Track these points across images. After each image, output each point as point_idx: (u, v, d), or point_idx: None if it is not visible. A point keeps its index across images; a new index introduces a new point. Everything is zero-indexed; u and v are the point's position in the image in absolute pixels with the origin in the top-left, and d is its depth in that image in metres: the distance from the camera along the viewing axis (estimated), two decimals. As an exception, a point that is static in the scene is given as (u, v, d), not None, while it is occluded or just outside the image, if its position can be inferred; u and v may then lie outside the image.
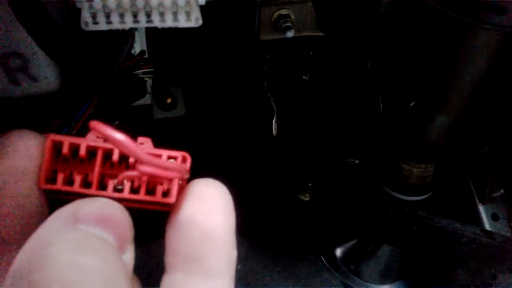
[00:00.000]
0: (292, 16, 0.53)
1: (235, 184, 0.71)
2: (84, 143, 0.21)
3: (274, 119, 0.66)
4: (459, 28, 0.47)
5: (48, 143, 0.21)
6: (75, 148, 0.21)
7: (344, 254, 0.72)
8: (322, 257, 0.71)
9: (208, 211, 0.20)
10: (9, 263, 0.17)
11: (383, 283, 0.70)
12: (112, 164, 0.21)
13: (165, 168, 0.20)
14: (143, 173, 0.20)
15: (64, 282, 0.15)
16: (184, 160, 0.22)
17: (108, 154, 0.21)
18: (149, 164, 0.19)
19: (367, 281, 0.70)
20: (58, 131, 0.39)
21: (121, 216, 0.19)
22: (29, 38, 0.32)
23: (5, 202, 0.20)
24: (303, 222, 0.71)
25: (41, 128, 0.38)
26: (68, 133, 0.40)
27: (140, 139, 0.22)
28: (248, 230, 0.65)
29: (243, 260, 0.60)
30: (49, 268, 0.15)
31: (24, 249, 0.17)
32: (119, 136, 0.19)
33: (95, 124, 0.19)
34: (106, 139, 0.19)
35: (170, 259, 0.21)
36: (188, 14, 0.27)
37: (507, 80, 0.60)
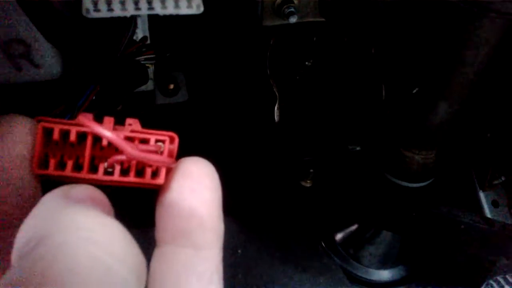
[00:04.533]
0: (295, 2, 0.53)
1: (237, 170, 0.71)
2: (74, 129, 0.21)
3: (277, 105, 0.66)
4: (463, 16, 0.47)
5: (39, 130, 0.21)
6: (65, 133, 0.22)
7: (344, 239, 0.72)
8: (322, 242, 0.72)
9: (194, 188, 0.21)
10: (9, 243, 0.18)
11: (382, 268, 0.71)
12: (102, 147, 0.22)
13: (151, 160, 0.21)
14: (131, 158, 0.21)
15: (82, 235, 0.16)
16: (172, 141, 0.22)
17: (97, 137, 0.22)
18: (136, 157, 0.20)
19: (366, 266, 0.71)
20: (61, 118, 0.39)
21: (104, 198, 0.20)
22: (32, 25, 0.33)
23: (2, 187, 0.20)
24: (304, 208, 0.71)
25: (43, 115, 0.39)
26: (71, 119, 0.40)
27: (128, 120, 0.23)
28: (249, 215, 0.66)
29: (244, 245, 0.61)
30: (61, 234, 0.16)
31: (26, 227, 0.17)
32: (106, 133, 0.20)
33: (82, 119, 0.20)
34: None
35: (160, 234, 0.22)
36: (189, 1, 0.27)
37: (510, 68, 0.59)
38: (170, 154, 0.22)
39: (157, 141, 0.22)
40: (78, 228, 0.16)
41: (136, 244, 0.18)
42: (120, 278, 0.16)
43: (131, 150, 0.20)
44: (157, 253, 0.22)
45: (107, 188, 0.21)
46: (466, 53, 0.49)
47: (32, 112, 0.23)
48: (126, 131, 0.22)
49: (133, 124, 0.22)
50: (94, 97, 0.41)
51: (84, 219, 0.17)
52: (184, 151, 0.23)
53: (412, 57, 0.60)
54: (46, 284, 0.14)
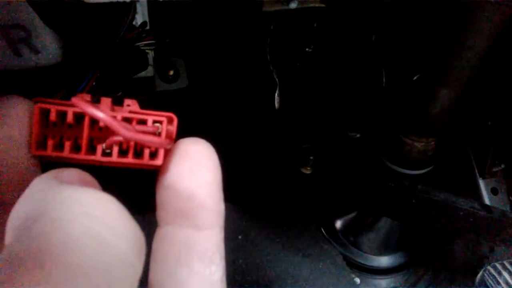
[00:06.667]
0: (296, -13, 0.52)
1: (237, 157, 0.71)
2: (70, 110, 0.21)
3: (277, 92, 0.65)
4: (464, 2, 0.46)
5: (36, 111, 0.21)
6: (62, 114, 0.21)
7: (344, 226, 0.73)
8: (322, 229, 0.73)
9: (193, 168, 0.21)
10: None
11: (382, 254, 0.71)
12: (100, 128, 0.22)
13: (146, 141, 0.20)
14: (128, 139, 0.20)
15: (79, 209, 0.16)
16: (170, 121, 0.22)
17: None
18: (130, 138, 0.20)
19: (366, 252, 0.71)
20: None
21: (93, 180, 0.20)
22: (31, 11, 0.32)
23: (1, 170, 0.20)
24: (304, 194, 0.72)
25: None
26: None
27: (127, 101, 0.22)
28: (250, 202, 0.66)
29: (244, 231, 0.61)
30: (56, 210, 0.16)
31: (19, 208, 0.17)
32: (99, 114, 0.19)
33: (76, 101, 0.19)
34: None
35: (161, 214, 0.22)
36: (189, -14, 0.26)
37: (511, 56, 0.59)
38: (168, 135, 0.22)
39: (155, 121, 0.22)
40: (72, 203, 0.16)
41: (133, 219, 0.17)
42: (118, 252, 0.16)
43: (125, 131, 0.19)
44: (159, 233, 0.22)
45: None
46: (467, 39, 0.49)
47: (32, 98, 0.23)
48: (124, 112, 0.22)
49: (131, 105, 0.22)
50: (94, 83, 0.41)
51: (78, 195, 0.17)
52: (183, 137, 0.23)
53: (413, 43, 0.60)
54: (43, 259, 0.14)
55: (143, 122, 0.22)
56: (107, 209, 0.17)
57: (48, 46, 0.35)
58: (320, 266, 0.63)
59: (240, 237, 0.61)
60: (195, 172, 0.21)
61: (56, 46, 0.36)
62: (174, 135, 0.22)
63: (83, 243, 0.15)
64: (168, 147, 0.21)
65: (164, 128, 0.22)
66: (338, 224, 0.73)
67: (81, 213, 0.16)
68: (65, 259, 0.14)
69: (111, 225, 0.16)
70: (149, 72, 0.65)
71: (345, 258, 0.70)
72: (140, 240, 0.17)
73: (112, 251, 0.16)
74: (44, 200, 0.17)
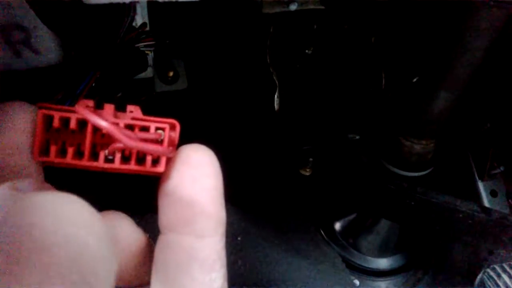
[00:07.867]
0: (296, -11, 0.52)
1: (237, 158, 0.71)
2: (74, 116, 0.21)
3: (276, 93, 0.65)
4: (464, 5, 0.46)
5: (39, 117, 0.21)
6: (66, 120, 0.22)
7: (343, 228, 0.73)
8: (322, 231, 0.73)
9: (195, 176, 0.21)
10: None
11: (381, 256, 0.71)
12: (103, 134, 0.22)
13: (148, 150, 0.21)
14: (130, 148, 0.21)
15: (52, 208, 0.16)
16: (172, 128, 0.22)
17: None
18: (133, 147, 0.20)
19: (365, 254, 0.71)
20: (61, 104, 0.39)
21: (52, 187, 0.20)
22: (31, 11, 0.32)
23: (5, 177, 0.20)
24: (304, 196, 0.72)
25: (43, 101, 0.39)
26: (71, 106, 0.40)
27: (129, 107, 0.22)
28: (249, 203, 0.66)
29: (243, 233, 0.61)
30: (19, 217, 0.15)
31: None
32: (102, 123, 0.19)
33: (79, 108, 0.20)
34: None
35: (162, 221, 0.22)
36: (189, -13, 0.26)
37: (510, 58, 0.59)
38: (170, 142, 0.22)
39: (157, 128, 0.22)
40: (36, 208, 0.16)
41: (96, 212, 0.17)
42: (89, 246, 0.16)
43: (126, 140, 0.20)
44: (160, 241, 0.22)
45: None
46: (466, 41, 0.49)
47: (32, 98, 0.23)
48: (126, 119, 0.22)
49: (134, 111, 0.22)
50: (93, 84, 0.41)
51: (40, 198, 0.16)
52: (183, 140, 0.23)
53: (412, 46, 0.60)
54: (9, 265, 0.14)
55: (145, 129, 0.22)
56: (71, 207, 0.16)
57: (47, 47, 0.35)
58: (319, 268, 0.63)
59: (239, 238, 0.61)
60: (196, 179, 0.21)
61: (56, 46, 0.36)
62: (176, 142, 0.22)
63: (54, 243, 0.15)
64: (170, 155, 0.21)
65: (166, 135, 0.22)
66: (338, 226, 0.73)
67: (45, 215, 0.16)
68: (35, 261, 0.14)
69: (79, 222, 0.16)
70: (148, 73, 0.65)
71: (344, 260, 0.70)
72: (106, 230, 0.17)
73: (83, 246, 0.15)
74: (5, 207, 0.16)
